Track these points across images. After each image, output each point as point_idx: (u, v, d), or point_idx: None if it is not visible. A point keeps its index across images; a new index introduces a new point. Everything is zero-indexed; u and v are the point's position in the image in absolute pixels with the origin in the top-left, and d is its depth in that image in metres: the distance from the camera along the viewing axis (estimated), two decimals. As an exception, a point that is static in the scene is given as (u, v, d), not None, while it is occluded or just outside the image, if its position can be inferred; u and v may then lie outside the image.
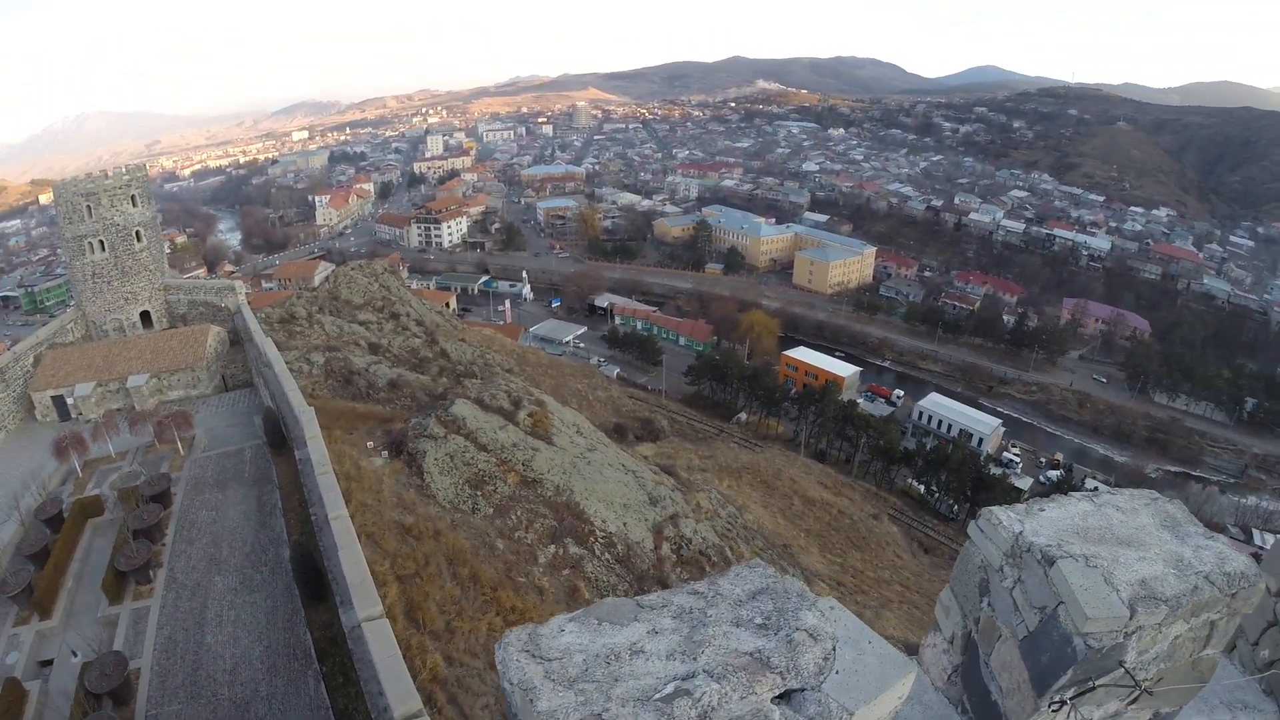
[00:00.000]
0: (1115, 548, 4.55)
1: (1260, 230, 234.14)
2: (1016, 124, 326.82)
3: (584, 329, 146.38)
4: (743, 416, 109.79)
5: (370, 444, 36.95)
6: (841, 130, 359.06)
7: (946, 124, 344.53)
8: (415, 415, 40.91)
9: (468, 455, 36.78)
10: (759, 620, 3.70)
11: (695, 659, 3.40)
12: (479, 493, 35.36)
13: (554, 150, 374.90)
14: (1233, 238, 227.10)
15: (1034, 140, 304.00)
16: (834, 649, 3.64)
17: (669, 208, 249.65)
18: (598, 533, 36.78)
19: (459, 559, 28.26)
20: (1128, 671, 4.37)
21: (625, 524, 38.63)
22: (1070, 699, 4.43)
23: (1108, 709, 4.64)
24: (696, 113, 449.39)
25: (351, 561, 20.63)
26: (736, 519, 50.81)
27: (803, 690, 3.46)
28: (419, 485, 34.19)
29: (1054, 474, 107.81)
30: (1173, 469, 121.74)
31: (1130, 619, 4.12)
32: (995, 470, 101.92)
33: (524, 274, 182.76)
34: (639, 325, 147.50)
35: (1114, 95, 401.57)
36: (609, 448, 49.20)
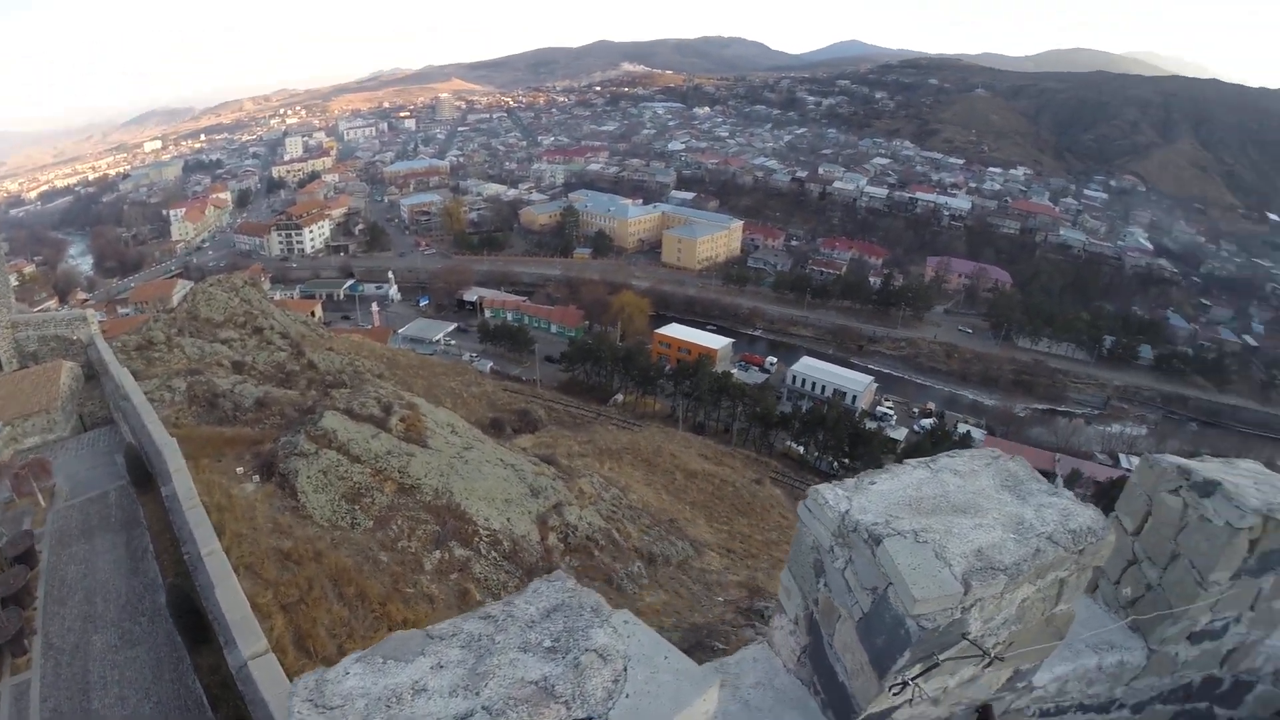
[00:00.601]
0: (950, 517, 4.38)
1: (1112, 183, 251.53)
2: (879, 95, 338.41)
3: (454, 325, 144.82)
4: (619, 398, 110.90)
5: (240, 469, 36.34)
6: (707, 109, 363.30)
7: (810, 98, 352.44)
8: (285, 433, 40.35)
9: (341, 469, 36.50)
10: (548, 643, 3.57)
11: (478, 694, 3.27)
12: (357, 507, 35.21)
13: (417, 145, 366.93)
14: (1087, 191, 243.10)
15: (896, 110, 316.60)
16: (625, 669, 3.49)
17: (535, 195, 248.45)
18: (482, 532, 37.04)
19: (343, 578, 28.21)
20: (973, 643, 4.26)
21: (509, 519, 39.02)
22: (912, 679, 4.28)
23: (962, 676, 4.56)
24: (562, 99, 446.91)
25: (229, 597, 20.49)
26: (621, 500, 51.52)
27: (590, 719, 3.28)
28: (294, 507, 33.79)
29: (927, 423, 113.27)
30: (1040, 407, 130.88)
31: (965, 594, 3.96)
32: (870, 425, 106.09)
33: (390, 274, 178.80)
34: (509, 316, 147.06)
35: (973, 64, 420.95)
36: (486, 444, 49.31)
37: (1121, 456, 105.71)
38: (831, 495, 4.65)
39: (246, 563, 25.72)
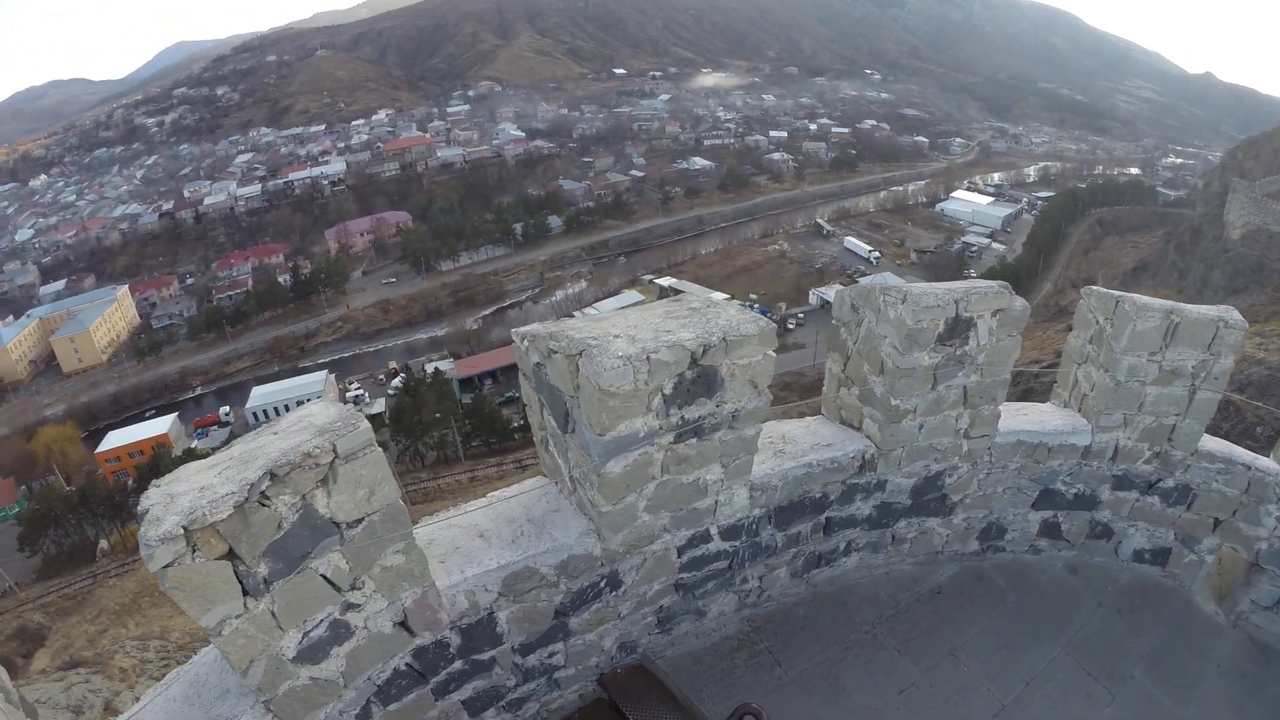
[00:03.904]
0: None
1: (471, 94, 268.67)
2: (221, 91, 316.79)
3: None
4: (105, 545, 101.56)
5: None
6: (44, 176, 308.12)
7: (151, 120, 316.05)
8: None
9: None
10: None
11: None
12: None
13: None
14: (450, 109, 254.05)
15: (243, 100, 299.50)
16: None
17: None
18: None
19: None
20: None
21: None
22: None
23: None
24: None
25: None
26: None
27: None
28: None
29: (398, 381, 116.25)
30: (488, 312, 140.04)
31: None
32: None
33: None
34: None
35: (307, 29, 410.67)
36: (-2, 706, 44.77)
37: (576, 314, 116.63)
38: None
39: None
